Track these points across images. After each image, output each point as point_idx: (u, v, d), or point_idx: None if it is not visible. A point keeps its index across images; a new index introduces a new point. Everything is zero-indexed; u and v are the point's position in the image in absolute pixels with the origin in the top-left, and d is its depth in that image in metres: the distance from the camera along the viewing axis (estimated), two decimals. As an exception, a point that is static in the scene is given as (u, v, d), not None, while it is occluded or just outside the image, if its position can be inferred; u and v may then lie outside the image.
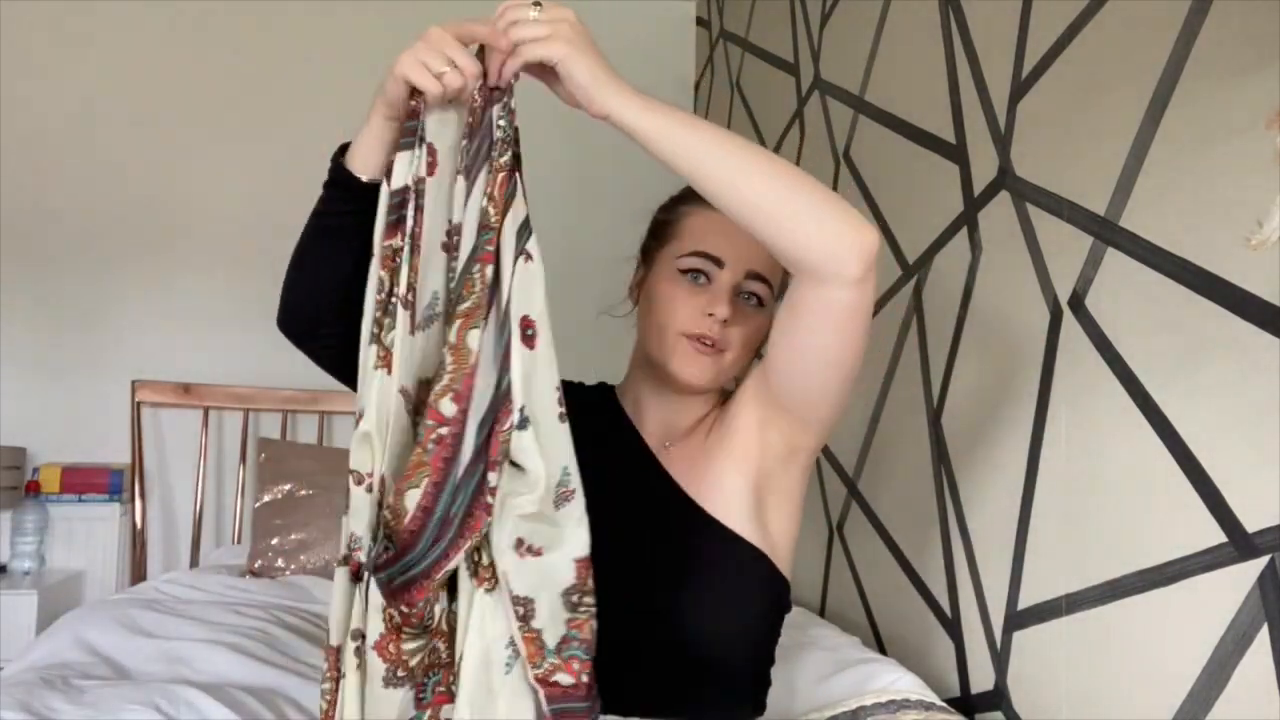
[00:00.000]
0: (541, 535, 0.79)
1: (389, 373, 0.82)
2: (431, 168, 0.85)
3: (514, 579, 0.78)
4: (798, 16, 2.23)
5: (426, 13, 3.27)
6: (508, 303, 0.80)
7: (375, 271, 0.84)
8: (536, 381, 0.80)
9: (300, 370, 2.98)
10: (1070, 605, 1.20)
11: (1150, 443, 1.07)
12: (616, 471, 1.11)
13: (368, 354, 0.83)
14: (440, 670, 0.81)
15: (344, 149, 0.95)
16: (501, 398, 0.79)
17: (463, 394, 0.78)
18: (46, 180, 2.63)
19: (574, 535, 0.81)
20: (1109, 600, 1.13)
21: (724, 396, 1.21)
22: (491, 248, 0.81)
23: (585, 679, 0.80)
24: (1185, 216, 1.04)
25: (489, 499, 0.77)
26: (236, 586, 2.04)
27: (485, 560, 0.79)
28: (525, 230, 0.83)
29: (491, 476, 0.77)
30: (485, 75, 0.86)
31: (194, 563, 2.49)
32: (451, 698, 0.79)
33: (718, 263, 1.08)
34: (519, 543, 0.78)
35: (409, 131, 0.85)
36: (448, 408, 0.79)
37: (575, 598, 0.80)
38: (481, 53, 0.87)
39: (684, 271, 1.09)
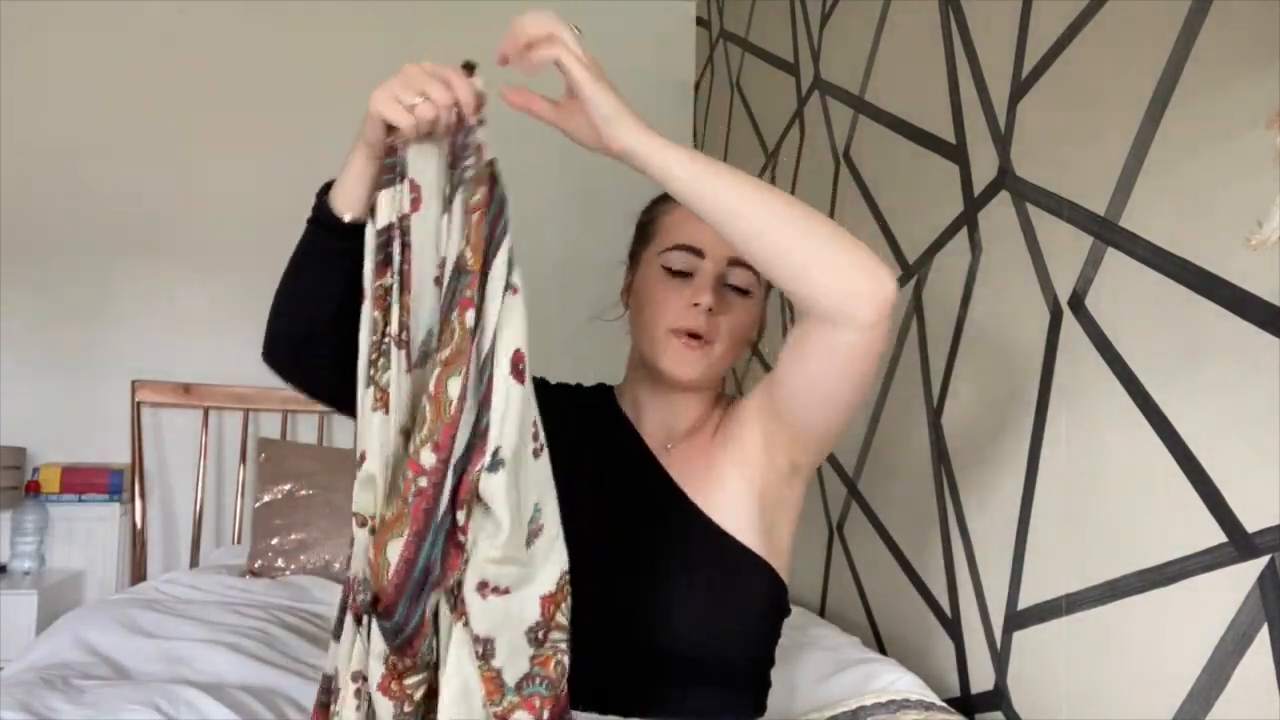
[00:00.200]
0: (508, 576, 0.78)
1: (387, 413, 0.81)
2: (415, 203, 0.84)
3: (475, 619, 0.77)
4: (798, 16, 2.23)
5: (425, 13, 3.28)
6: (494, 340, 0.79)
7: (368, 312, 0.83)
8: (519, 417, 0.79)
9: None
10: (1070, 605, 1.20)
11: (1150, 443, 1.07)
12: (616, 472, 1.12)
13: (365, 396, 0.82)
14: (437, 696, 0.81)
15: (328, 186, 0.95)
16: (479, 437, 0.78)
17: (442, 445, 0.77)
18: (47, 180, 2.63)
19: (543, 573, 0.80)
20: (1109, 600, 1.13)
21: (724, 396, 1.21)
22: (470, 292, 0.80)
23: (546, 716, 0.79)
24: (1185, 216, 1.04)
25: (461, 537, 0.77)
26: (236, 586, 2.04)
27: (451, 602, 0.79)
28: (513, 264, 0.83)
29: (459, 516, 0.77)
30: (461, 105, 0.85)
31: (194, 563, 2.49)
32: None
33: (698, 253, 1.09)
34: (483, 585, 0.77)
35: (389, 169, 0.85)
36: (427, 458, 0.77)
37: (540, 634, 0.79)
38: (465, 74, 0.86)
39: (667, 268, 1.10)
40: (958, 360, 1.50)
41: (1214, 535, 0.97)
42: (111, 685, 1.39)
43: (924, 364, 1.60)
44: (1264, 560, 0.92)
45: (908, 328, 1.67)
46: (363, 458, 0.81)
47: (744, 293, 1.11)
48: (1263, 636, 0.92)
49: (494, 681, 0.77)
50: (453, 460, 0.77)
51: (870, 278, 0.86)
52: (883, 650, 1.68)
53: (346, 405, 0.87)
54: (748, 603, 1.06)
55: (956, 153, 1.53)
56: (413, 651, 0.78)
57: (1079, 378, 1.21)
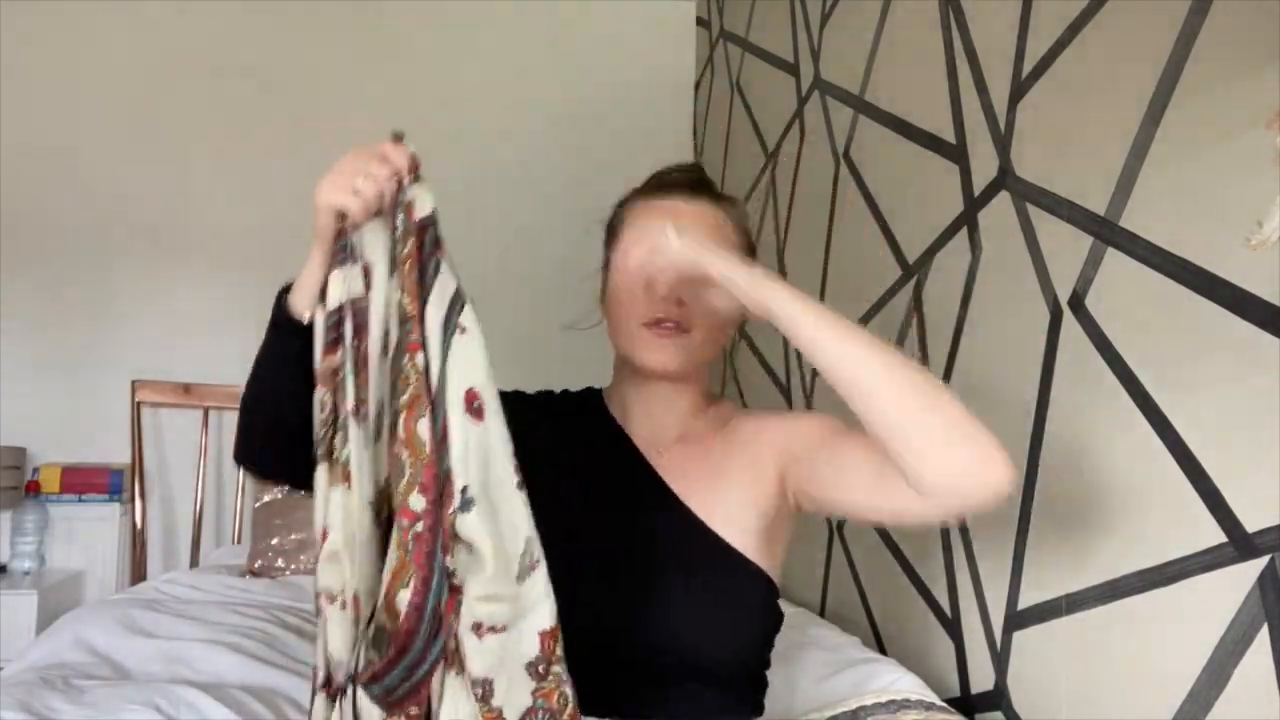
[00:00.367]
0: (500, 614, 0.78)
1: (349, 488, 0.81)
2: (367, 284, 0.86)
3: (472, 660, 0.77)
4: (798, 16, 2.23)
5: (425, 13, 3.27)
6: (442, 384, 0.80)
7: (318, 393, 0.84)
8: (488, 454, 0.79)
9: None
10: (1070, 605, 1.20)
11: (1150, 443, 1.06)
12: (606, 474, 1.11)
13: (320, 473, 0.83)
14: None
15: (287, 289, 0.97)
16: (444, 480, 0.78)
17: (428, 485, 0.78)
18: (47, 181, 2.63)
19: (538, 608, 0.80)
20: (1109, 600, 1.13)
21: (717, 398, 1.20)
22: (415, 336, 0.81)
23: None
24: (1185, 216, 1.04)
25: (453, 581, 0.77)
26: (236, 586, 2.04)
27: (452, 644, 0.78)
28: (457, 304, 0.83)
29: (448, 560, 0.77)
30: (401, 174, 0.88)
31: (194, 563, 2.49)
32: None
33: None
34: (477, 625, 0.77)
35: (341, 250, 0.87)
36: (416, 502, 0.78)
37: (541, 668, 0.79)
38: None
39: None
40: (958, 360, 1.50)
41: (1214, 535, 0.97)
42: (111, 685, 1.39)
43: (924, 364, 1.60)
44: (1264, 560, 0.92)
45: (908, 327, 1.67)
46: (324, 535, 0.80)
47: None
48: (1263, 636, 0.92)
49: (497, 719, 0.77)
50: (440, 500, 0.78)
51: (986, 465, 0.83)
52: (883, 650, 1.68)
53: None
54: (745, 609, 1.05)
55: (956, 153, 1.53)
56: (420, 700, 0.77)
57: (1079, 378, 1.21)
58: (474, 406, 0.80)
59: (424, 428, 0.79)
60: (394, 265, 0.85)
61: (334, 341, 0.84)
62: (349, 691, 0.80)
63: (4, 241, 2.58)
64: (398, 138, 0.90)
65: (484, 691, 0.77)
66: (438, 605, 0.77)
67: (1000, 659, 1.34)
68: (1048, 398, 1.27)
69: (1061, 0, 1.26)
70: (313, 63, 2.81)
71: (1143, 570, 1.08)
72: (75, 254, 2.64)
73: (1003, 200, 1.39)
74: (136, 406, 2.56)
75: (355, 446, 0.81)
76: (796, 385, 2.16)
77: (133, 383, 2.57)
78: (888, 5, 1.79)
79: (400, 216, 0.86)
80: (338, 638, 0.81)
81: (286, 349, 0.94)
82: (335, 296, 0.85)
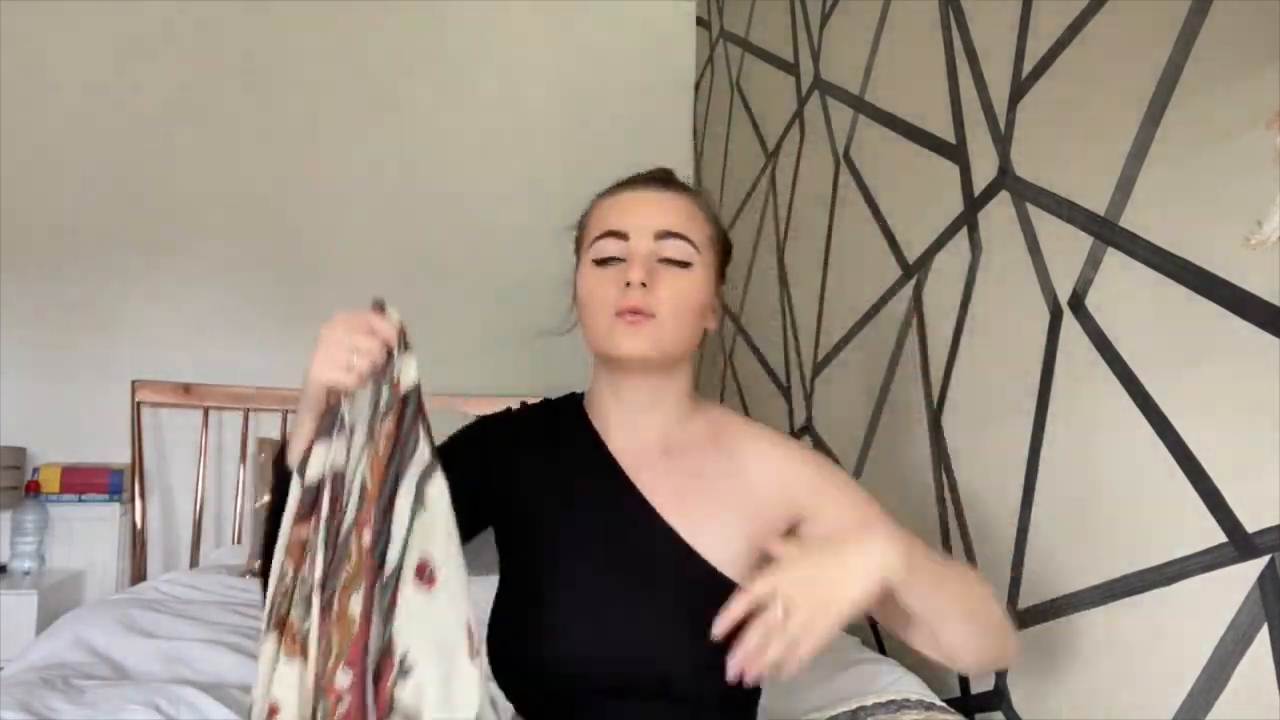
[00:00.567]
0: None
1: (306, 663, 0.80)
2: (349, 455, 0.85)
3: None
4: (798, 16, 2.23)
5: (425, 13, 3.27)
6: (401, 559, 0.80)
7: (279, 560, 0.83)
8: (437, 621, 0.79)
9: (300, 370, 2.97)
10: (1070, 605, 1.20)
11: (1150, 443, 1.06)
12: (589, 496, 1.06)
13: (268, 643, 0.81)
14: None
15: (283, 450, 0.95)
16: (384, 649, 0.78)
17: (353, 660, 0.78)
18: (47, 181, 2.63)
19: None
20: (1109, 600, 1.13)
21: (699, 400, 1.15)
22: (368, 513, 0.81)
23: None
24: (1185, 216, 1.04)
25: None
26: (236, 586, 2.04)
27: None
28: (429, 475, 0.84)
29: None
30: (389, 344, 0.88)
31: (194, 563, 2.49)
32: None
33: (622, 236, 1.04)
34: None
35: (329, 421, 0.86)
36: (342, 679, 0.77)
37: None
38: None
39: (597, 260, 1.05)
40: (958, 360, 1.50)
41: (1214, 535, 0.97)
42: (111, 685, 1.39)
43: (924, 364, 1.60)
44: (1264, 560, 0.92)
45: (908, 327, 1.67)
46: (273, 711, 0.78)
47: (682, 264, 1.04)
48: (1263, 636, 0.92)
49: None
50: (368, 675, 0.78)
51: (1004, 662, 1.06)
52: (883, 650, 1.68)
53: None
54: (735, 635, 0.96)
55: (956, 153, 1.53)
56: None
57: (1079, 378, 1.21)
58: (425, 575, 0.81)
59: (356, 603, 0.79)
60: (370, 436, 0.85)
61: (308, 513, 0.83)
62: None
63: (4, 241, 2.58)
64: (379, 306, 0.90)
65: None
66: None
67: (1000, 659, 1.34)
68: (1048, 398, 1.27)
69: (1061, 0, 1.26)
70: (313, 64, 2.81)
71: (1143, 570, 1.08)
72: (75, 254, 2.64)
73: (1003, 200, 1.39)
74: (136, 406, 2.56)
75: (316, 619, 0.80)
76: (797, 385, 2.16)
77: (133, 383, 2.57)
78: (888, 5, 1.79)
79: (386, 389, 0.87)
80: None
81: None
82: (316, 469, 0.84)
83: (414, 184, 2.86)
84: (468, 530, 0.97)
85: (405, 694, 0.77)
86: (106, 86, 2.67)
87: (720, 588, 0.97)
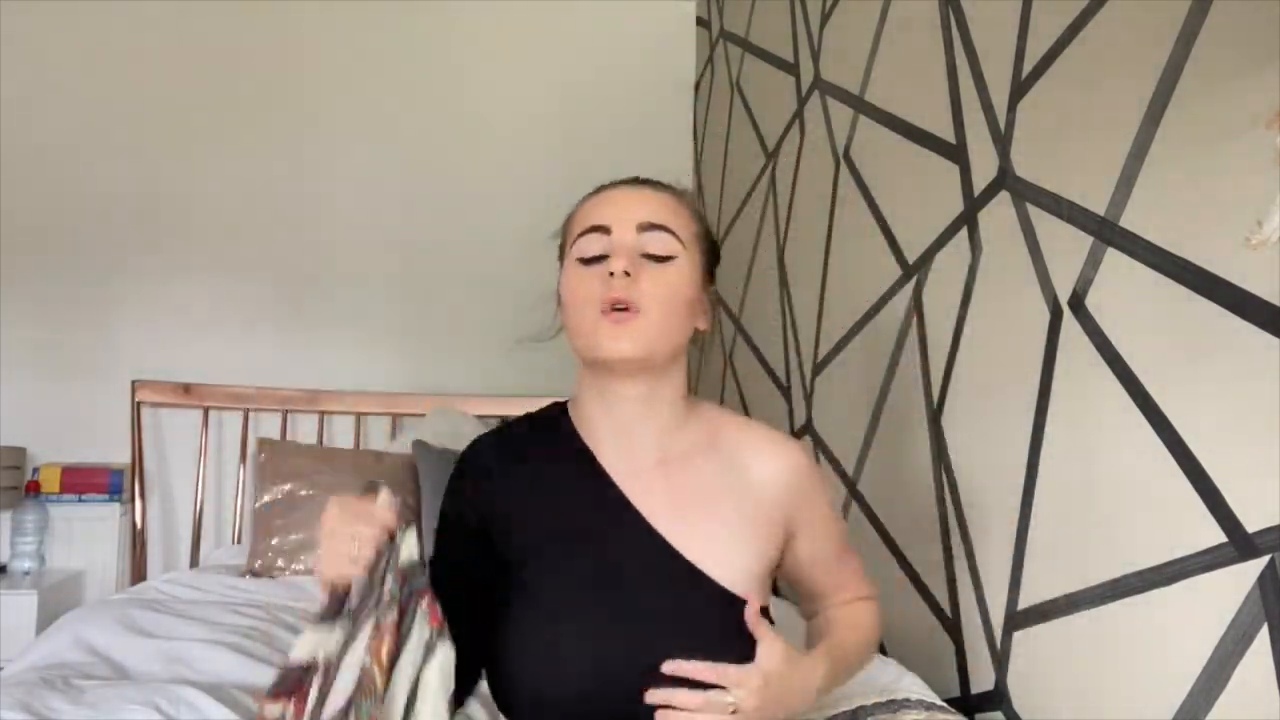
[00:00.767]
0: None
1: None
2: (344, 646, 0.85)
3: None
4: (798, 16, 2.23)
5: (425, 13, 3.27)
6: None
7: None
8: None
9: (300, 370, 3.00)
10: (1070, 605, 1.20)
11: (1150, 443, 1.06)
12: (583, 515, 1.02)
13: None
14: None
15: None
16: None
17: None
18: (47, 181, 2.63)
19: None
20: (1109, 600, 1.13)
21: (692, 401, 1.09)
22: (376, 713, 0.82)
23: None
24: (1185, 216, 1.04)
25: None
26: (236, 586, 2.04)
27: None
28: (429, 656, 0.85)
29: None
30: (390, 530, 0.88)
31: (194, 563, 2.49)
32: None
33: (604, 230, 1.01)
34: None
35: (332, 610, 0.87)
36: None
37: None
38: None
39: (580, 259, 1.02)
40: (958, 360, 1.50)
41: (1214, 535, 0.97)
42: (111, 685, 1.39)
43: (924, 364, 1.60)
44: (1264, 560, 0.92)
45: (908, 327, 1.67)
46: None
47: (667, 258, 1.00)
48: (1263, 636, 0.92)
49: None
50: None
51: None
52: (883, 650, 1.68)
53: None
54: (739, 645, 0.94)
55: (956, 153, 1.53)
56: None
57: (1079, 378, 1.21)
58: None
59: None
60: (376, 629, 0.85)
61: (287, 691, 0.83)
62: None
63: (4, 241, 2.58)
64: (371, 488, 0.89)
65: None
66: None
67: (1000, 659, 1.34)
68: (1048, 398, 1.27)
69: (1061, 0, 1.26)
70: (313, 64, 2.81)
71: (1143, 570, 1.08)
72: (75, 254, 2.64)
73: (1003, 200, 1.39)
74: (136, 406, 2.56)
75: None
76: (797, 385, 2.16)
77: (133, 383, 2.57)
78: (888, 5, 1.79)
79: (390, 578, 0.87)
80: None
81: None
82: (305, 651, 0.85)
83: (414, 184, 2.86)
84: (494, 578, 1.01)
85: None
86: (107, 87, 2.67)
87: (727, 603, 0.95)
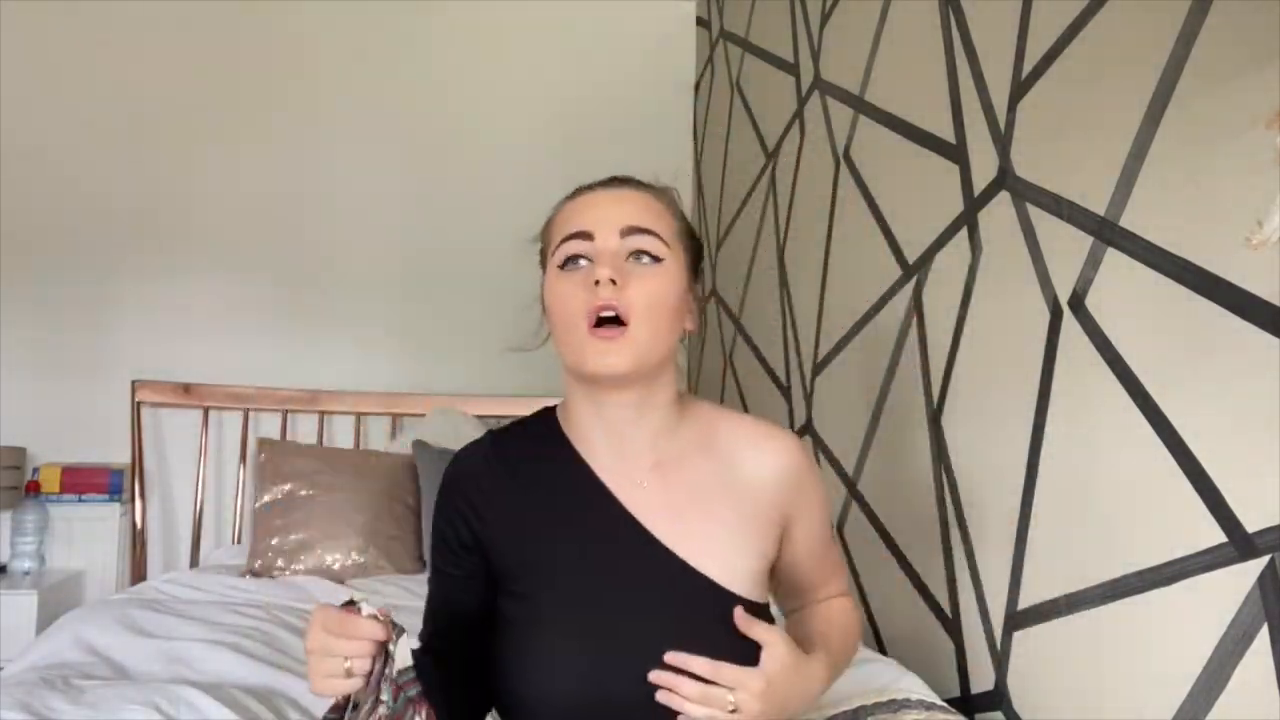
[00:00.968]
0: None
1: None
2: None
3: None
4: (798, 16, 2.23)
5: (425, 13, 3.26)
6: None
7: None
8: None
9: (300, 370, 3.00)
10: (1070, 605, 1.20)
11: (1150, 443, 1.07)
12: (580, 527, 1.00)
13: None
14: None
15: None
16: None
17: None
18: (47, 181, 2.63)
19: None
20: (1109, 600, 1.13)
21: (686, 400, 1.07)
22: None
23: None
24: (1185, 216, 1.04)
25: None
26: (236, 586, 2.04)
27: None
28: None
29: None
30: (383, 641, 0.86)
31: (194, 563, 2.49)
32: None
33: (587, 236, 0.98)
34: None
35: (335, 716, 0.86)
36: None
37: None
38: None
39: (562, 265, 0.99)
40: (958, 360, 1.50)
41: (1214, 535, 0.97)
42: (111, 685, 1.39)
43: (924, 364, 1.60)
44: (1264, 560, 0.92)
45: (908, 327, 1.67)
46: None
47: (654, 259, 0.98)
48: (1263, 636, 0.92)
49: None
50: None
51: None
52: (883, 650, 1.69)
53: None
54: (744, 646, 0.93)
55: (956, 153, 1.53)
56: None
57: (1079, 378, 1.21)
58: None
59: None
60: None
61: None
62: None
63: (4, 242, 2.58)
64: (351, 606, 0.85)
65: None
66: None
67: (1000, 659, 1.34)
68: (1048, 398, 1.27)
69: (1061, 0, 1.26)
70: (313, 64, 2.81)
71: (1143, 570, 1.08)
72: (75, 254, 2.64)
73: (1003, 200, 1.39)
74: (136, 406, 2.56)
75: None
76: (796, 385, 2.16)
77: (133, 383, 2.57)
78: (888, 5, 1.79)
79: (386, 690, 0.84)
80: None
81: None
82: None
83: (414, 184, 2.86)
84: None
85: None
86: (107, 87, 2.67)
87: (727, 604, 0.94)
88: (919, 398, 1.61)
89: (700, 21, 3.05)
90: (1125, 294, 1.13)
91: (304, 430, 2.65)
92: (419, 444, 2.40)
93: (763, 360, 2.39)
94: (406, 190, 2.86)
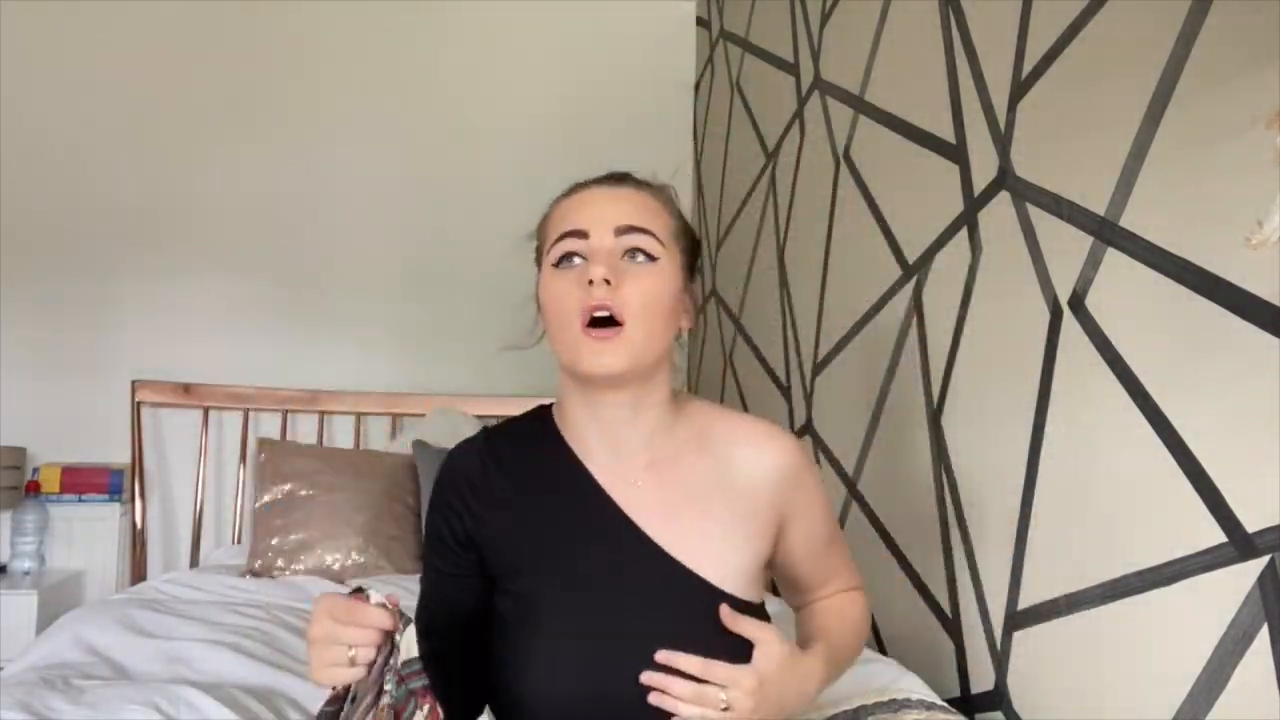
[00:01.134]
0: None
1: None
2: None
3: None
4: (798, 16, 2.23)
5: (425, 13, 3.26)
6: None
7: None
8: None
9: (300, 370, 2.99)
10: (1070, 605, 1.20)
11: (1150, 443, 1.07)
12: (573, 527, 1.00)
13: None
14: None
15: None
16: None
17: None
18: (47, 181, 2.63)
19: None
20: (1109, 600, 1.13)
21: (680, 399, 1.07)
22: None
23: None
24: (1185, 216, 1.04)
25: None
26: (236, 586, 2.04)
27: None
28: None
29: None
30: (388, 629, 0.85)
31: (194, 563, 2.49)
32: None
33: (582, 235, 0.97)
34: None
35: (328, 716, 0.85)
36: None
37: None
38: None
39: (557, 264, 0.98)
40: (958, 360, 1.50)
41: (1214, 535, 0.98)
42: (111, 685, 1.39)
43: (924, 364, 1.60)
44: (1264, 560, 0.92)
45: (908, 327, 1.67)
46: None
47: (649, 258, 0.97)
48: (1263, 636, 0.92)
49: None
50: None
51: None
52: (883, 650, 1.69)
53: None
54: (742, 648, 0.93)
55: (956, 153, 1.53)
56: None
57: (1079, 378, 1.21)
58: None
59: None
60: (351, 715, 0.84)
61: None
62: None
63: (4, 242, 2.58)
64: (359, 592, 0.85)
65: None
66: None
67: (1000, 659, 1.34)
68: (1048, 398, 1.27)
69: (1062, 0, 1.26)
70: (313, 64, 2.81)
71: (1143, 570, 1.08)
72: (75, 254, 2.64)
73: (1003, 200, 1.39)
74: (136, 406, 2.56)
75: None
76: (796, 385, 2.16)
77: (133, 383, 2.57)
78: (888, 5, 1.79)
79: (390, 680, 0.84)
80: None
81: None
82: None
83: (414, 183, 2.86)
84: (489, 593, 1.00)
85: None
86: (107, 87, 2.67)
87: (721, 604, 0.94)
88: (919, 398, 1.61)
89: (700, 21, 3.05)
90: (1125, 294, 1.13)
91: (304, 430, 2.65)
92: (419, 444, 2.40)
93: (763, 360, 2.39)
94: (407, 190, 2.86)
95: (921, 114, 1.65)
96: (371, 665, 0.83)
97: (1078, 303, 1.21)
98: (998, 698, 1.35)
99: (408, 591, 1.98)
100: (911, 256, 1.67)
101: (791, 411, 2.18)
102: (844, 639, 1.08)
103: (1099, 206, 1.17)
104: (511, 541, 1.00)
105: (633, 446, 1.01)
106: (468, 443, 1.07)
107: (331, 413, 2.67)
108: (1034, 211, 1.31)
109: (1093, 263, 1.18)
